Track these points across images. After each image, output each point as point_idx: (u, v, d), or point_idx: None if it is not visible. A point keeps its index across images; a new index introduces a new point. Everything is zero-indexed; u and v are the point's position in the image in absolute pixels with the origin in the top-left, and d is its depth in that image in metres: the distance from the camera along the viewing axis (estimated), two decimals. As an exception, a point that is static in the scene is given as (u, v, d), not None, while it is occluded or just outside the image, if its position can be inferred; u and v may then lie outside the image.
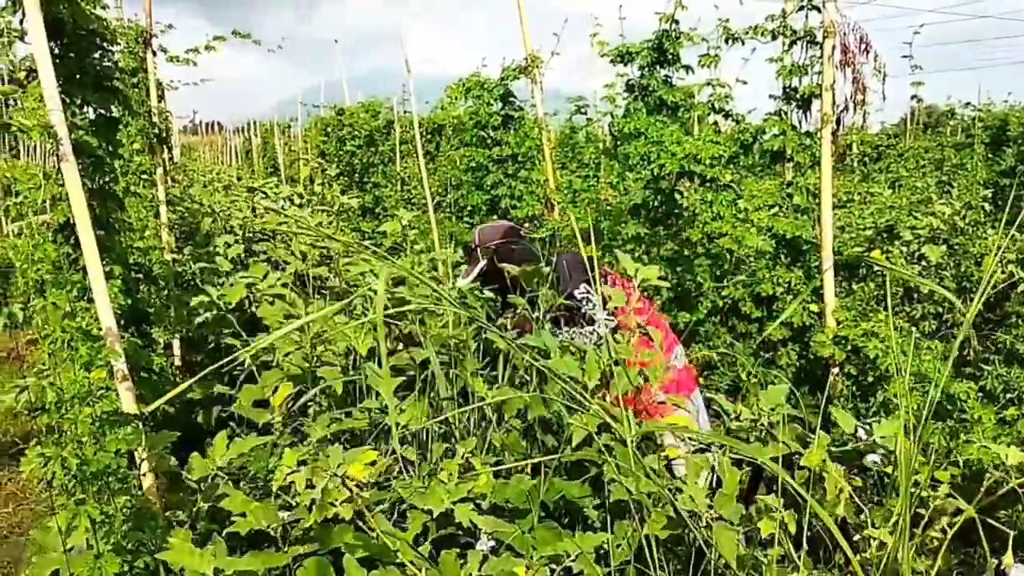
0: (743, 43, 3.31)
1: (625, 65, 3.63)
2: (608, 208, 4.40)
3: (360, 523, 1.49)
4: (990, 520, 1.62)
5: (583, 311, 2.30)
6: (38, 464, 1.47)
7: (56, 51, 1.85)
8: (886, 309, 3.02)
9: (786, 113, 3.25)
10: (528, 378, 2.03)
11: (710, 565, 1.53)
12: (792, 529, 1.52)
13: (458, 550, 1.53)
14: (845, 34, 2.94)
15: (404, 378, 1.97)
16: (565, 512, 1.78)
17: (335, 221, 5.42)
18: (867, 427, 1.90)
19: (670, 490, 1.59)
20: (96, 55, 2.01)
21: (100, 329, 1.68)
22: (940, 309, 3.29)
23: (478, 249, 2.55)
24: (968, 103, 9.10)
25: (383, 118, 8.27)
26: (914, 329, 3.16)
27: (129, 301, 2.09)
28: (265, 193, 5.55)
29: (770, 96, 3.29)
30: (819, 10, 2.99)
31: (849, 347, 2.94)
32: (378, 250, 1.58)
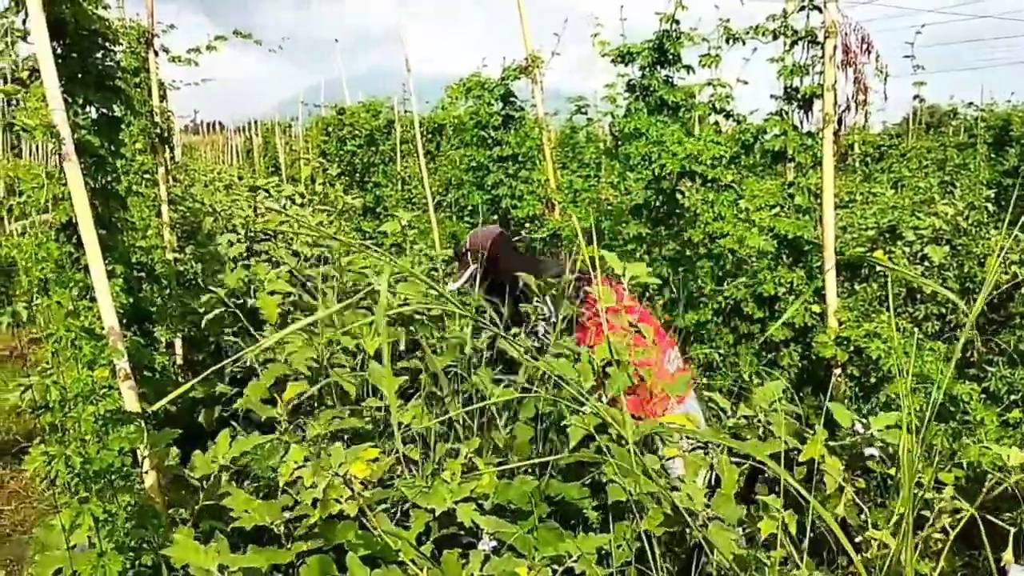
0: (744, 43, 3.31)
1: (626, 65, 3.63)
2: (609, 208, 4.40)
3: (363, 521, 1.50)
4: (992, 519, 1.62)
5: (529, 320, 2.32)
6: (42, 462, 1.47)
7: (58, 51, 1.85)
8: (889, 310, 3.01)
9: (787, 113, 3.25)
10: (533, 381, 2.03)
11: (711, 566, 1.53)
12: (793, 529, 1.52)
13: (460, 550, 1.53)
14: (846, 34, 2.94)
15: (406, 377, 1.98)
16: (564, 513, 1.78)
17: (337, 221, 5.42)
18: (864, 421, 1.90)
19: (669, 487, 1.59)
20: (98, 55, 2.01)
21: (103, 328, 1.68)
22: (943, 310, 3.29)
23: (469, 254, 2.59)
24: (971, 103, 9.10)
25: (384, 118, 8.27)
26: (917, 330, 3.16)
27: (131, 300, 2.09)
28: (268, 192, 5.55)
29: (771, 96, 3.28)
30: (820, 10, 2.98)
31: (851, 348, 2.93)
32: (379, 249, 1.58)
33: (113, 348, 1.63)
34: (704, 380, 3.09)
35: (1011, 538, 1.55)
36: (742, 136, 3.36)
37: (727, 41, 3.34)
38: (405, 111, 8.68)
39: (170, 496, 1.85)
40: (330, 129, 8.02)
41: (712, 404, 2.12)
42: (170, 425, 1.88)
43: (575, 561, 1.51)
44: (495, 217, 4.61)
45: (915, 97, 7.91)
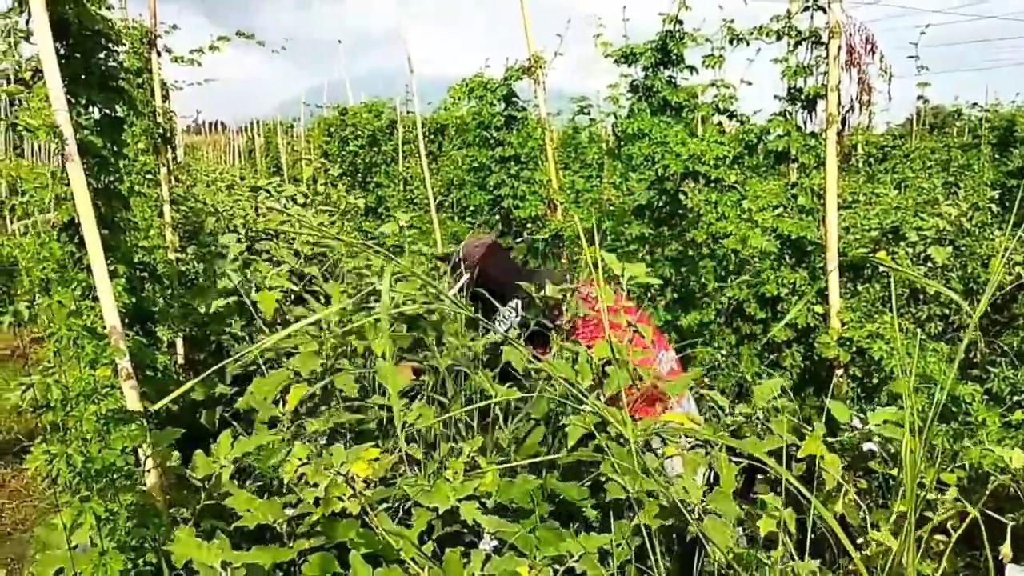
0: (748, 44, 3.30)
1: (629, 66, 3.63)
2: (611, 208, 4.39)
3: (365, 520, 1.50)
4: (995, 515, 1.62)
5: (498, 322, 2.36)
6: (43, 461, 1.47)
7: (61, 51, 1.85)
8: (891, 310, 3.00)
9: (791, 114, 3.24)
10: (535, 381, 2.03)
11: (712, 566, 1.53)
12: (792, 528, 1.51)
13: (462, 548, 1.53)
14: (851, 34, 2.93)
15: (412, 377, 1.98)
16: (564, 512, 1.78)
17: (339, 221, 5.43)
18: (862, 416, 1.90)
19: (667, 480, 1.59)
20: (101, 55, 2.01)
21: (105, 327, 1.68)
22: (946, 311, 3.28)
23: (462, 262, 2.64)
24: (975, 104, 9.08)
25: (386, 118, 8.28)
26: (919, 331, 3.15)
27: (133, 299, 2.10)
28: (269, 192, 5.56)
29: (775, 97, 3.28)
30: (824, 10, 2.98)
31: (854, 348, 2.93)
32: (380, 249, 1.58)
33: (115, 347, 1.64)
34: (706, 380, 3.08)
35: (1008, 531, 1.54)
36: (745, 137, 3.35)
37: (731, 42, 3.33)
38: (407, 111, 8.69)
39: (172, 496, 1.86)
40: (332, 129, 8.03)
41: (712, 403, 2.12)
42: (172, 425, 1.88)
43: (576, 561, 1.51)
44: (497, 218, 4.61)
45: (919, 98, 7.91)
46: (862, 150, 8.42)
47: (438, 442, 1.88)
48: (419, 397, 2.05)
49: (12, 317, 3.49)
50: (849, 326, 2.98)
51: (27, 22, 1.77)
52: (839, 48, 2.93)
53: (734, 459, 1.73)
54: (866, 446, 1.87)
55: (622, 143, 3.67)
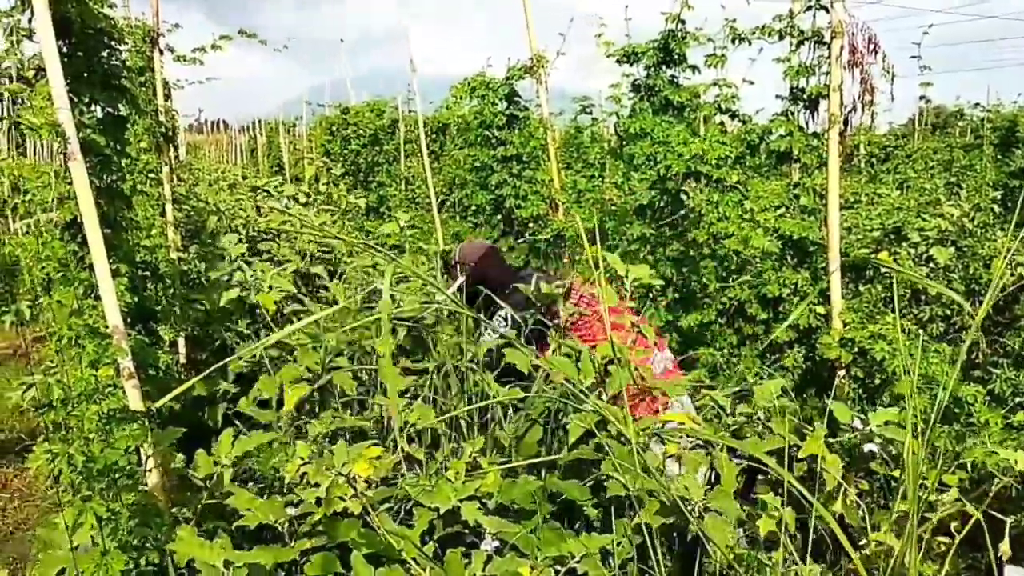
0: (750, 43, 3.30)
1: (631, 65, 3.62)
2: (613, 208, 4.39)
3: (367, 520, 1.50)
4: (995, 514, 1.61)
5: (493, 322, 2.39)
6: (45, 461, 1.47)
7: (64, 50, 1.85)
8: (893, 311, 3.00)
9: (793, 114, 3.23)
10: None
11: (713, 565, 1.53)
12: (792, 528, 1.51)
13: (463, 549, 1.53)
14: (853, 34, 2.92)
15: (414, 377, 1.98)
16: (565, 511, 1.78)
17: (340, 220, 5.43)
18: (863, 417, 1.90)
19: (667, 478, 1.59)
20: (104, 54, 2.01)
21: (107, 327, 1.68)
22: (948, 312, 3.27)
23: (458, 266, 2.69)
24: (977, 104, 9.06)
25: (388, 117, 8.28)
26: (922, 332, 3.15)
27: (135, 299, 2.10)
28: (268, 192, 5.56)
29: (777, 96, 3.27)
30: (827, 10, 2.97)
31: (856, 349, 2.92)
32: (381, 249, 1.58)
33: (117, 347, 1.63)
34: (707, 381, 3.08)
35: (1007, 529, 1.54)
36: (747, 136, 3.35)
37: (733, 41, 3.33)
38: (409, 111, 8.69)
39: (173, 495, 1.86)
40: (334, 129, 8.03)
41: (713, 403, 2.11)
42: (174, 424, 1.88)
43: (578, 561, 1.51)
44: (499, 217, 4.61)
45: (921, 98, 7.89)
46: (864, 150, 8.41)
47: (441, 442, 1.88)
48: (420, 397, 2.05)
49: (14, 316, 3.49)
50: (851, 327, 2.97)
51: (30, 20, 1.77)
52: (841, 48, 2.93)
53: (734, 460, 1.73)
54: (867, 447, 1.87)
55: (624, 143, 3.67)
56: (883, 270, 3.29)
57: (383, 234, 3.77)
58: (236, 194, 6.05)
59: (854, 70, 2.96)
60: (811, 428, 1.80)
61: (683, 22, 3.47)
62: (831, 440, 1.84)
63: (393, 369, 1.45)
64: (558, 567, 1.50)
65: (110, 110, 2.08)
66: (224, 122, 22.47)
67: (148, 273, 2.50)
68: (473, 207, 4.81)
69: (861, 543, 1.62)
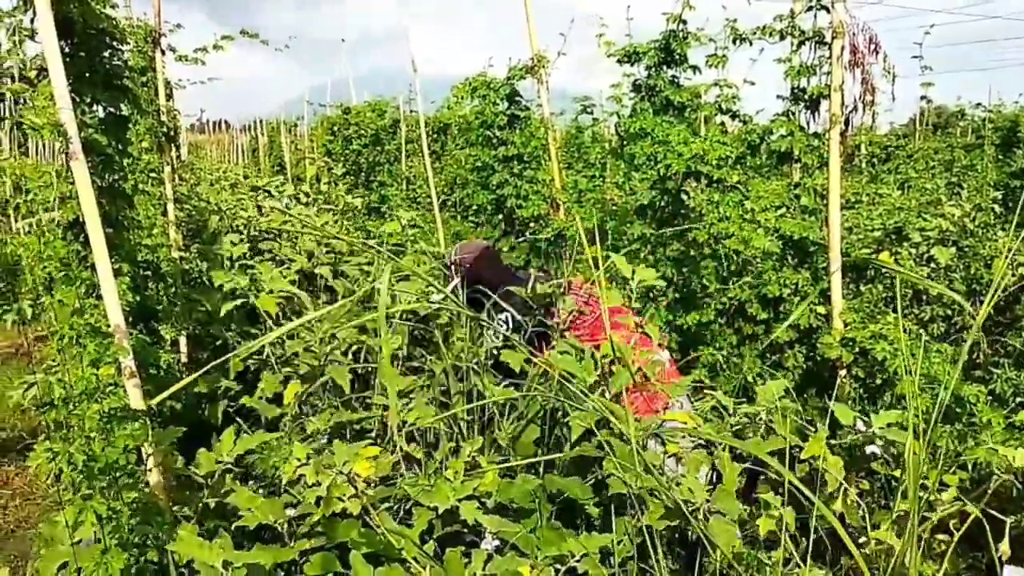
0: (751, 43, 3.30)
1: (632, 65, 3.62)
2: (614, 208, 4.39)
3: (366, 519, 1.50)
4: (995, 513, 1.61)
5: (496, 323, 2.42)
6: (46, 459, 1.47)
7: (66, 50, 1.86)
8: (895, 311, 3.00)
9: (794, 114, 3.23)
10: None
11: (713, 565, 1.53)
12: (792, 528, 1.51)
13: (463, 548, 1.53)
14: (854, 34, 2.92)
15: (415, 377, 1.98)
16: (566, 510, 1.78)
17: (340, 220, 5.43)
18: (866, 419, 1.90)
19: (669, 478, 1.59)
20: (106, 54, 2.02)
21: (108, 326, 1.69)
22: (949, 312, 3.27)
23: (454, 266, 2.71)
24: (978, 104, 9.05)
25: (389, 117, 8.28)
26: (923, 332, 3.15)
27: (137, 298, 2.10)
28: (270, 192, 5.56)
29: (778, 97, 3.27)
30: (828, 10, 2.97)
31: (857, 349, 2.92)
32: (382, 249, 1.59)
33: (119, 346, 1.64)
34: (708, 381, 3.08)
35: (1007, 529, 1.54)
36: (748, 137, 3.35)
37: (734, 41, 3.33)
38: (410, 111, 8.70)
39: (174, 494, 1.86)
40: (335, 128, 8.03)
41: (715, 403, 2.11)
42: (175, 423, 1.89)
43: (578, 561, 1.51)
44: (500, 217, 4.61)
45: (922, 98, 7.88)
46: (865, 150, 8.40)
47: (440, 441, 1.88)
48: (419, 396, 2.05)
49: (16, 315, 3.50)
50: (852, 327, 2.97)
51: (32, 20, 1.78)
52: (842, 48, 2.93)
53: (736, 461, 1.73)
54: (869, 449, 1.87)
55: (625, 143, 3.67)
56: (884, 270, 3.29)
57: (385, 233, 3.78)
58: (238, 194, 6.05)
59: (855, 70, 2.96)
60: (812, 429, 1.80)
61: (684, 22, 3.47)
62: (832, 442, 1.84)
63: (392, 369, 1.45)
64: (558, 566, 1.51)
65: (112, 110, 2.08)
66: (226, 122, 22.49)
67: (150, 272, 2.50)
68: (474, 207, 4.82)
69: (861, 541, 1.62)
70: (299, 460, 1.52)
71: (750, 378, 3.11)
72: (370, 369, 2.29)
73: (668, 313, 3.35)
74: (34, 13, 1.69)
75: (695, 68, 3.56)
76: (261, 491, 1.85)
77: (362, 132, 7.76)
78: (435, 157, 8.57)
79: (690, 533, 1.63)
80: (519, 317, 2.33)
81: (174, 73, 4.08)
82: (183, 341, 3.44)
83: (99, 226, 1.73)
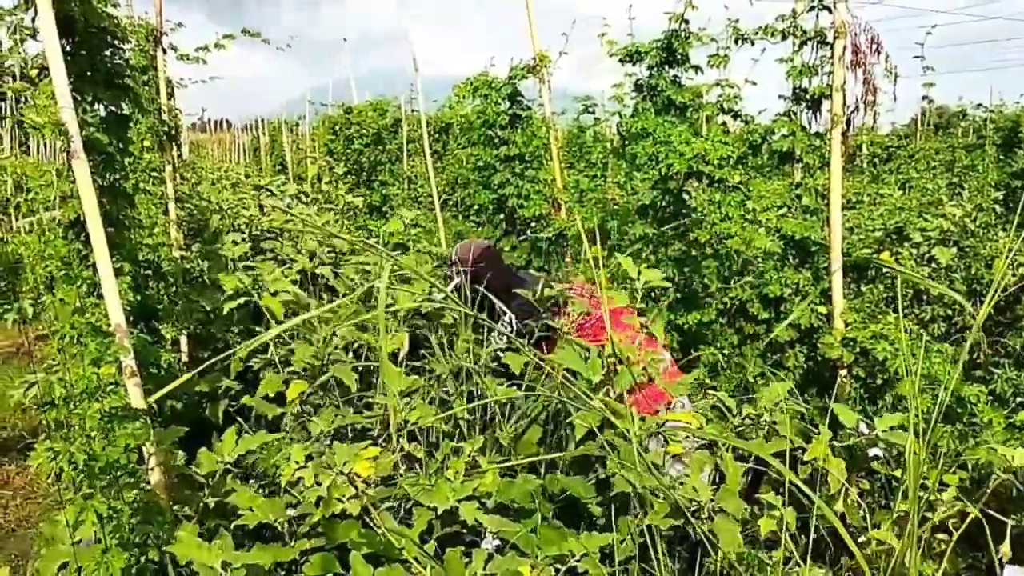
0: (753, 43, 3.30)
1: (634, 65, 3.62)
2: (615, 208, 4.39)
3: (367, 519, 1.50)
4: (995, 514, 1.61)
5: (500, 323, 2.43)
6: (46, 459, 1.48)
7: (68, 49, 1.86)
8: (895, 311, 2.99)
9: (796, 114, 3.23)
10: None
11: (714, 564, 1.53)
12: (793, 527, 1.51)
13: (463, 548, 1.53)
14: (856, 34, 2.92)
15: (417, 377, 1.98)
16: (567, 509, 1.78)
17: (341, 219, 5.43)
18: (869, 421, 1.90)
19: (672, 478, 1.59)
20: (107, 53, 2.02)
21: (109, 325, 1.69)
22: (950, 312, 3.27)
23: (454, 266, 2.70)
24: (980, 104, 9.03)
25: (391, 117, 8.28)
26: (923, 332, 3.14)
27: (138, 297, 2.10)
28: (271, 191, 5.57)
29: (780, 97, 3.27)
30: (830, 10, 2.97)
31: (857, 349, 2.92)
32: (383, 248, 1.59)
33: (119, 345, 1.64)
34: (709, 381, 3.08)
35: (1008, 530, 1.54)
36: (750, 136, 3.35)
37: (736, 41, 3.32)
38: (412, 110, 8.70)
39: (175, 493, 1.86)
40: (337, 128, 8.03)
41: (718, 404, 2.12)
42: (176, 423, 1.89)
43: (578, 561, 1.51)
44: (501, 216, 4.61)
45: (924, 98, 7.87)
46: (867, 150, 8.39)
47: (440, 441, 1.88)
48: (423, 397, 2.05)
49: (17, 314, 3.50)
50: (853, 326, 2.97)
51: (33, 19, 1.78)
52: (844, 48, 2.92)
53: (738, 462, 1.73)
54: (872, 451, 1.87)
55: (626, 142, 3.67)
56: (885, 270, 3.29)
57: (387, 233, 3.78)
58: (239, 193, 6.06)
59: (857, 70, 2.95)
60: (814, 429, 1.80)
61: (686, 22, 3.47)
62: (835, 444, 1.84)
63: (393, 368, 1.45)
64: (558, 566, 1.51)
65: (113, 109, 2.09)
66: (227, 121, 22.50)
67: (151, 272, 2.50)
68: (476, 206, 4.82)
69: (861, 541, 1.62)
70: (297, 463, 1.52)
71: (751, 378, 3.11)
72: (372, 368, 2.29)
73: (669, 313, 3.35)
74: (35, 12, 1.69)
75: (697, 68, 3.55)
76: (262, 491, 1.85)
77: (364, 131, 7.76)
78: (436, 156, 8.58)
79: (692, 533, 1.63)
80: (517, 323, 2.33)
81: (175, 72, 4.09)
82: (184, 340, 3.44)
83: (100, 225, 1.73)
